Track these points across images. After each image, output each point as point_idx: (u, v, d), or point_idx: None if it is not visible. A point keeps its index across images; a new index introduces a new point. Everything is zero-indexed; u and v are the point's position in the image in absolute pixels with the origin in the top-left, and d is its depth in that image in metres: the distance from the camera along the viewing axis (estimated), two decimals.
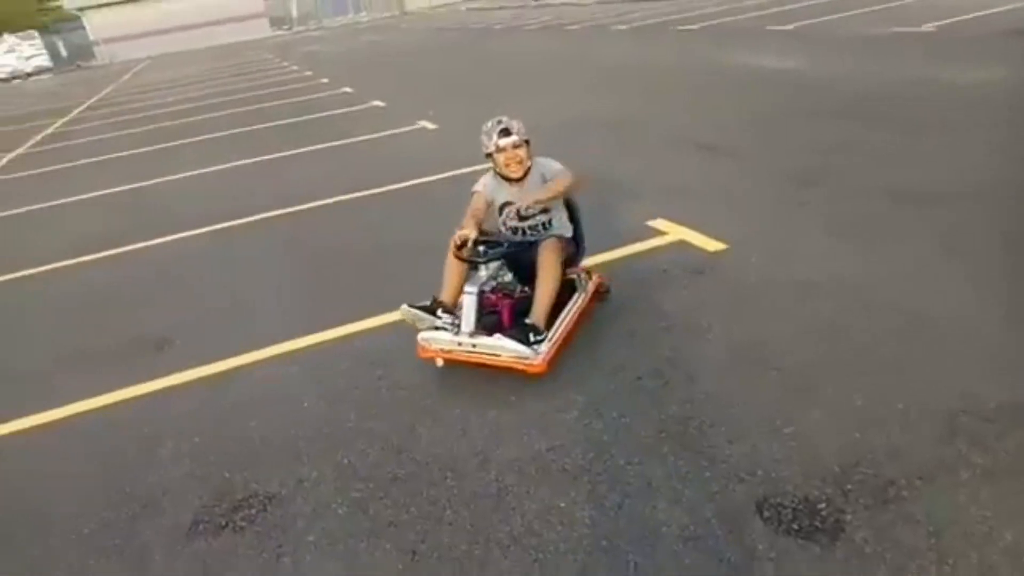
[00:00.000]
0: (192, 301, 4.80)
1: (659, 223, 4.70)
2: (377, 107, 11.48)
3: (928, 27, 10.53)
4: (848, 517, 2.19)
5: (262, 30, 43.73)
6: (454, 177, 6.33)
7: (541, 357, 3.05)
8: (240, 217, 6.38)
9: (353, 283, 4.66)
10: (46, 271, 5.84)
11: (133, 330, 4.41)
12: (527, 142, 3.40)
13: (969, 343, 2.97)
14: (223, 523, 2.60)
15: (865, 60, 9.23)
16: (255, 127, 11.33)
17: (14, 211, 8.19)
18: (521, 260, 3.35)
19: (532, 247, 3.33)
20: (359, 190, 6.61)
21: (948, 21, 10.70)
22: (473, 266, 3.26)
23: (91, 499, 2.85)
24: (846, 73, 8.63)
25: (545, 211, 3.47)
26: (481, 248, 3.25)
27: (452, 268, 3.34)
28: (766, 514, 2.25)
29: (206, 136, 11.18)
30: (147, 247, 6.05)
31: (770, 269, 3.89)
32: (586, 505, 2.40)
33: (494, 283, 3.34)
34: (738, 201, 5.04)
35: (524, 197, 3.34)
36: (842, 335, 3.17)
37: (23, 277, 5.81)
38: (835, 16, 13.09)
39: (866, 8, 13.39)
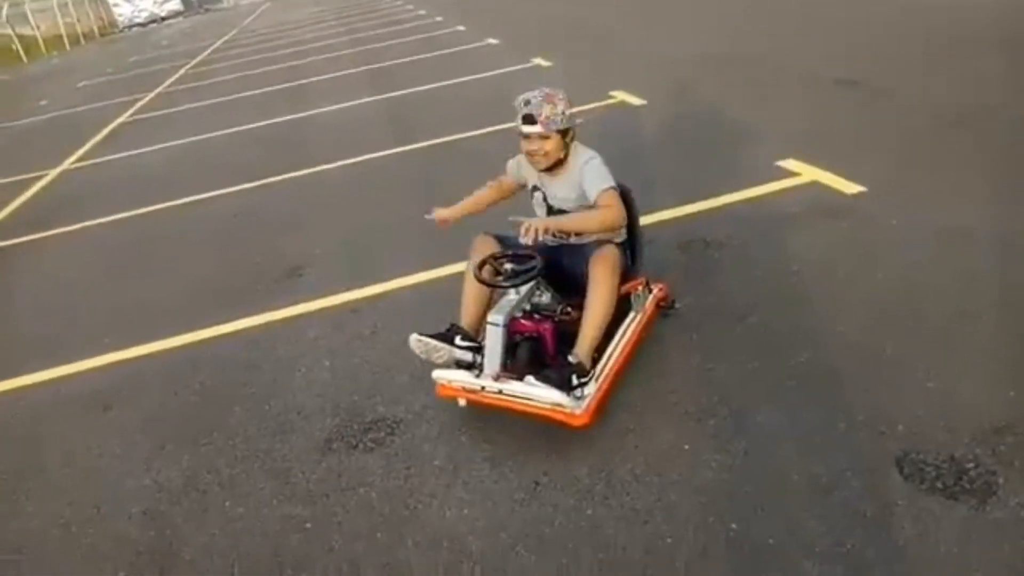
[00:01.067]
0: (325, 232, 5.00)
1: (790, 163, 4.45)
2: (492, 45, 11.39)
3: None
4: (1000, 480, 2.04)
5: None
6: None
7: (583, 407, 2.44)
8: (369, 152, 6.55)
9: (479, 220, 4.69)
10: (191, 201, 6.24)
11: (269, 258, 4.65)
12: (563, 132, 2.65)
13: None
14: (354, 443, 2.74)
15: None
16: (376, 65, 11.51)
17: (155, 146, 8.76)
18: (564, 267, 2.73)
19: (574, 251, 2.74)
20: (481, 127, 6.62)
21: None
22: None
23: (234, 416, 3.07)
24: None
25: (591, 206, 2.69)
26: (509, 267, 2.60)
27: (471, 288, 2.72)
28: (906, 470, 2.13)
29: (329, 75, 11.47)
30: (283, 179, 6.34)
31: (914, 214, 3.62)
32: (709, 449, 2.36)
33: (527, 306, 2.69)
34: (879, 141, 4.69)
35: (555, 189, 2.78)
36: (993, 284, 2.92)
37: (169, 207, 6.23)
38: None
39: None
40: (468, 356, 2.64)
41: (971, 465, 2.11)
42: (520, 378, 2.44)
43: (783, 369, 2.67)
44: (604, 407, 2.54)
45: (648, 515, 2.15)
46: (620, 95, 6.82)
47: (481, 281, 2.60)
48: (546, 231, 2.54)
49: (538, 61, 9.27)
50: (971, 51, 6.24)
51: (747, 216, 3.95)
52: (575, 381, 2.44)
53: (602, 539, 2.10)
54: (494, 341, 2.52)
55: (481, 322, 2.67)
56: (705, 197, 4.22)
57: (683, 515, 2.13)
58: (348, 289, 3.98)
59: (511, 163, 2.96)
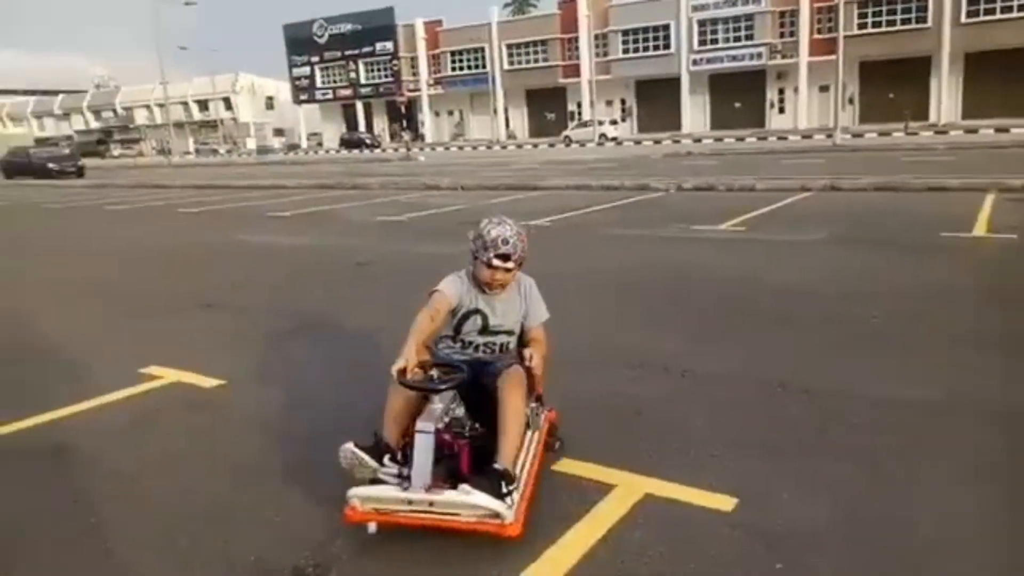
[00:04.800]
0: None
1: (152, 369, 4.55)
2: None
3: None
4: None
5: None
6: None
7: (514, 513, 2.40)
8: None
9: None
10: None
11: None
12: (520, 263, 2.90)
13: None
14: None
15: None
16: None
17: None
18: (474, 382, 2.74)
19: (484, 368, 2.85)
20: None
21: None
22: (425, 397, 2.60)
23: None
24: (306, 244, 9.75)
25: (509, 332, 3.01)
26: (434, 373, 2.63)
27: (395, 400, 2.68)
28: None
29: None
30: None
31: (266, 397, 4.08)
32: None
33: (447, 419, 2.62)
34: (236, 346, 5.18)
35: (500, 309, 2.96)
36: None
37: None
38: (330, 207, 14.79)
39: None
40: (393, 471, 2.51)
41: None
42: (452, 487, 2.38)
43: None
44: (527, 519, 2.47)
45: None
46: None
47: (407, 385, 2.54)
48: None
49: None
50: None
51: (109, 418, 3.83)
52: (505, 488, 2.43)
53: None
54: (425, 450, 2.41)
55: (402, 435, 2.63)
56: (67, 404, 3.96)
57: None
58: None
59: (452, 281, 2.93)
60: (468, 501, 2.35)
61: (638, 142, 40.18)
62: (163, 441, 3.56)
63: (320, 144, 60.79)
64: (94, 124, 78.02)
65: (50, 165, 31.63)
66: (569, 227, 10.53)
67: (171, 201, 17.96)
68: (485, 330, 2.95)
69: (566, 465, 3.02)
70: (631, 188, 15.13)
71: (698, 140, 36.95)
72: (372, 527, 2.48)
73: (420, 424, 2.45)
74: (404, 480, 2.45)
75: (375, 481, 2.50)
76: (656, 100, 47.24)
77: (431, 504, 2.39)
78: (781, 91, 44.21)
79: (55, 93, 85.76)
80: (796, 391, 3.79)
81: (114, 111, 78.42)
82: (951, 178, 12.96)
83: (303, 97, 61.88)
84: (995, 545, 2.43)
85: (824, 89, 40.21)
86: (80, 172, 32.01)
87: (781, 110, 44.30)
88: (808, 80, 42.14)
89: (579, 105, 49.10)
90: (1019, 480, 2.83)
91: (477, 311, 2.93)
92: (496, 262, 2.82)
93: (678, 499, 2.74)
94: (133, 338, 5.49)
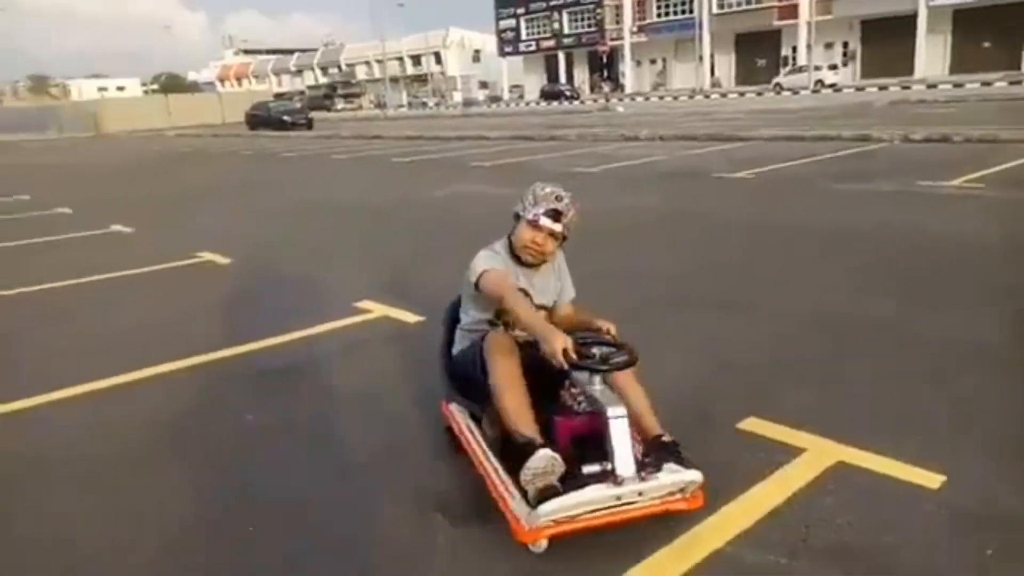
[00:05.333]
0: None
1: (365, 304, 4.98)
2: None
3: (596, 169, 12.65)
4: None
5: None
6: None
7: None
8: None
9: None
10: None
11: None
12: (565, 238, 2.66)
13: None
14: None
15: None
16: None
17: None
18: (538, 369, 2.45)
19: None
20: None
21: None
22: (585, 375, 2.32)
23: None
24: None
25: (547, 311, 2.76)
26: (596, 351, 2.33)
27: (519, 389, 2.39)
28: None
29: None
30: None
31: None
32: None
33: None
34: (430, 282, 5.53)
35: (542, 284, 2.72)
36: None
37: None
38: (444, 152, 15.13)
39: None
40: (596, 469, 2.16)
41: None
42: (656, 469, 2.18)
43: None
44: None
45: None
46: (207, 255, 6.89)
47: (580, 367, 2.25)
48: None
49: (117, 228, 8.87)
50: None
51: (328, 343, 4.31)
52: (682, 456, 2.28)
53: None
54: (624, 436, 2.17)
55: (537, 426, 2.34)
56: (290, 331, 4.49)
57: None
58: None
59: (491, 258, 2.63)
60: (681, 478, 2.18)
61: (860, 88, 36.51)
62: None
63: (521, 96, 61.84)
64: (322, 80, 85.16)
65: (285, 118, 35.00)
66: (773, 180, 9.90)
67: (386, 152, 19.26)
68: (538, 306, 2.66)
69: (752, 424, 2.92)
70: (849, 139, 13.86)
71: (932, 86, 32.82)
72: (543, 544, 2.14)
73: (612, 411, 2.18)
74: (611, 474, 2.14)
75: (547, 491, 2.12)
76: (885, 42, 42.43)
77: (640, 494, 2.16)
78: None
79: (291, 52, 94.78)
80: None
81: (339, 67, 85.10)
82: None
83: (508, 49, 63.14)
84: None
85: None
86: (310, 124, 35.17)
87: None
88: None
89: (794, 49, 45.41)
90: None
91: (521, 290, 2.59)
92: (544, 221, 2.55)
93: (875, 469, 2.56)
94: (350, 270, 6.04)
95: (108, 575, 2.28)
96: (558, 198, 2.57)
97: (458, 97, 64.11)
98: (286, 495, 2.67)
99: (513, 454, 2.28)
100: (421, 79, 73.97)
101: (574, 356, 2.22)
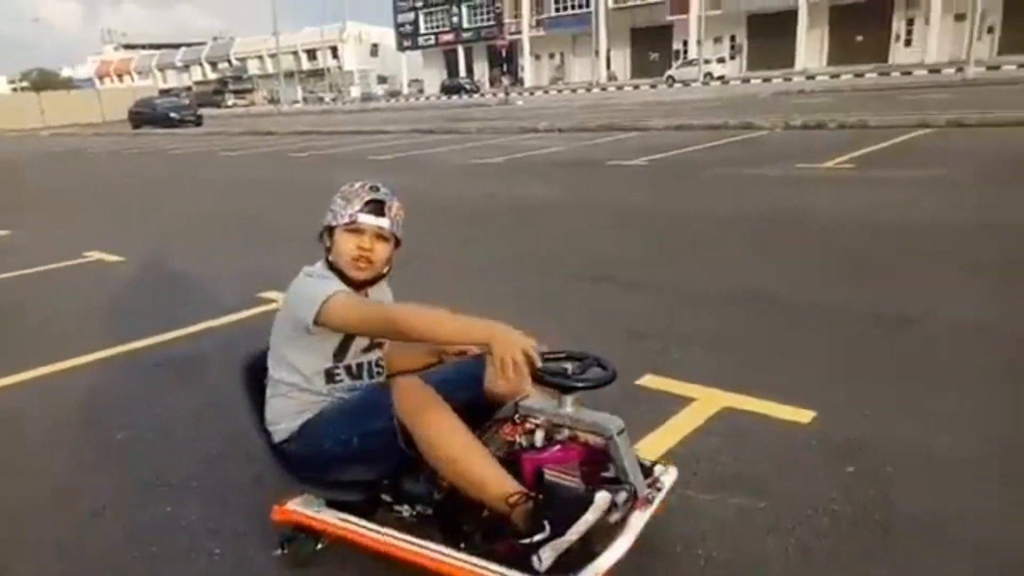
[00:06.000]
0: None
1: (270, 294, 4.93)
2: None
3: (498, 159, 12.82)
4: None
5: None
6: None
7: None
8: None
9: None
10: None
11: None
12: (397, 242, 2.11)
13: None
14: None
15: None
16: None
17: None
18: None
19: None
20: None
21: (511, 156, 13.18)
22: (542, 401, 1.93)
23: None
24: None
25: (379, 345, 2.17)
26: (568, 366, 1.89)
27: (478, 447, 1.87)
28: None
29: None
30: None
31: None
32: None
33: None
34: None
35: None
36: None
37: None
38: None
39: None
40: (623, 496, 1.80)
41: None
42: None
43: None
44: None
45: None
46: (95, 254, 6.60)
47: (546, 384, 1.84)
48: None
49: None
50: None
51: (228, 335, 4.25)
52: None
53: None
54: (630, 449, 1.85)
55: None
56: (191, 324, 4.41)
57: None
58: None
59: (319, 279, 2.05)
60: (672, 477, 1.99)
61: (746, 80, 38.34)
62: None
63: (421, 91, 61.48)
64: (211, 75, 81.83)
65: (171, 114, 33.53)
66: (667, 167, 10.35)
67: (281, 148, 18.80)
68: (372, 344, 2.11)
69: (649, 380, 3.13)
70: (735, 127, 14.62)
71: (811, 77, 34.91)
72: None
73: (613, 426, 1.81)
74: (630, 496, 1.81)
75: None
76: (769, 36, 44.73)
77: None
78: (910, 21, 40.88)
79: (176, 46, 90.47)
80: (894, 321, 3.73)
81: (229, 62, 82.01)
82: None
83: (407, 44, 62.63)
84: None
85: (960, 18, 36.77)
86: (198, 121, 33.81)
87: (908, 43, 41.02)
88: (943, 7, 38.64)
89: (685, 44, 47.22)
90: None
91: None
92: (364, 218, 1.99)
93: (755, 411, 2.82)
94: (252, 262, 5.94)
95: None
96: (373, 188, 2.04)
97: (356, 92, 63.11)
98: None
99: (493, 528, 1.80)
100: (317, 74, 72.31)
101: (539, 362, 1.75)
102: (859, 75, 33.22)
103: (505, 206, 7.17)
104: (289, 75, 68.67)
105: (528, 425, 1.91)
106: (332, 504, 2.01)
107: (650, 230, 6.44)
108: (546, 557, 1.64)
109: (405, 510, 1.97)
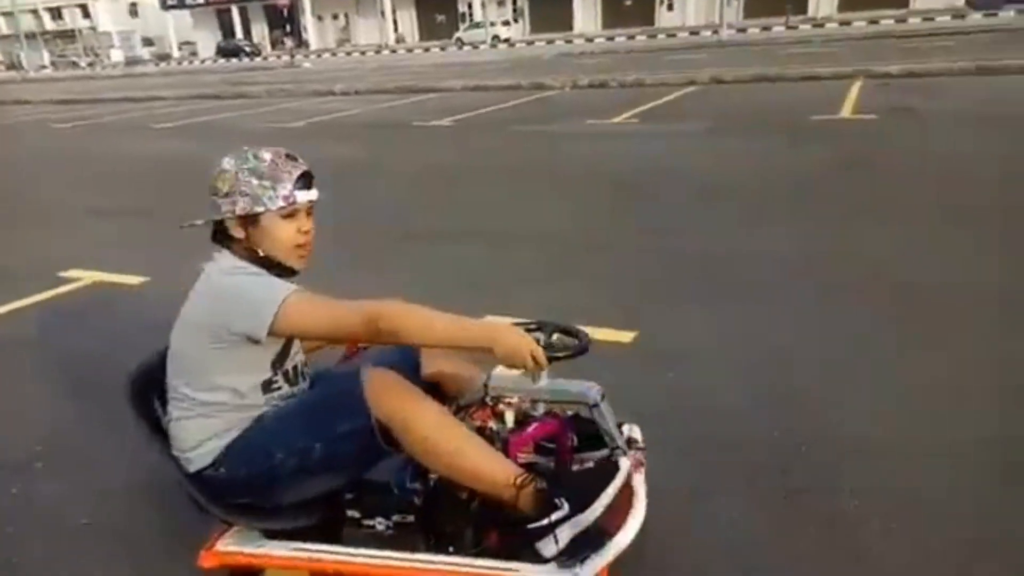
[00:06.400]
0: None
1: (72, 272, 4.58)
2: None
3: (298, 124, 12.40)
4: None
5: None
6: None
7: None
8: None
9: None
10: None
11: None
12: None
13: None
14: None
15: None
16: None
17: None
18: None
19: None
20: None
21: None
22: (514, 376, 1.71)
23: None
24: None
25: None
26: (538, 336, 1.74)
27: (474, 435, 1.68)
28: None
29: None
30: None
31: None
32: None
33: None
34: (152, 246, 5.24)
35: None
36: None
37: None
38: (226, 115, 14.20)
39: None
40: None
41: None
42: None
43: None
44: None
45: None
46: None
47: (559, 358, 1.65)
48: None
49: None
50: None
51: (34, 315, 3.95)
52: None
53: None
54: (610, 412, 1.71)
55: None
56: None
57: None
58: None
59: (263, 280, 1.65)
60: (639, 434, 1.90)
61: (530, 43, 39.70)
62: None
63: (194, 54, 56.58)
64: None
65: None
66: (473, 126, 10.68)
67: (42, 116, 16.68)
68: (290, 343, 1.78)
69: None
70: (528, 87, 15.28)
71: (590, 40, 36.94)
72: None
73: (593, 394, 1.69)
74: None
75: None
76: (548, 0, 46.59)
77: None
78: None
79: None
80: (693, 255, 4.34)
81: None
82: (823, 68, 13.82)
83: (172, 3, 57.01)
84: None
85: None
86: None
87: (670, 7, 44.58)
88: None
89: (470, 6, 47.69)
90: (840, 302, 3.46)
91: None
92: (302, 195, 1.68)
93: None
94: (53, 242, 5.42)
95: None
96: (291, 157, 1.71)
97: (117, 56, 56.80)
98: None
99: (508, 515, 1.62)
100: (67, 35, 63.91)
101: (546, 363, 1.61)
102: (631, 37, 35.73)
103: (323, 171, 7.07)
104: (31, 36, 60.18)
105: (499, 407, 1.74)
106: (275, 535, 1.70)
107: (468, 187, 6.73)
108: (563, 537, 1.53)
109: (379, 523, 1.77)
